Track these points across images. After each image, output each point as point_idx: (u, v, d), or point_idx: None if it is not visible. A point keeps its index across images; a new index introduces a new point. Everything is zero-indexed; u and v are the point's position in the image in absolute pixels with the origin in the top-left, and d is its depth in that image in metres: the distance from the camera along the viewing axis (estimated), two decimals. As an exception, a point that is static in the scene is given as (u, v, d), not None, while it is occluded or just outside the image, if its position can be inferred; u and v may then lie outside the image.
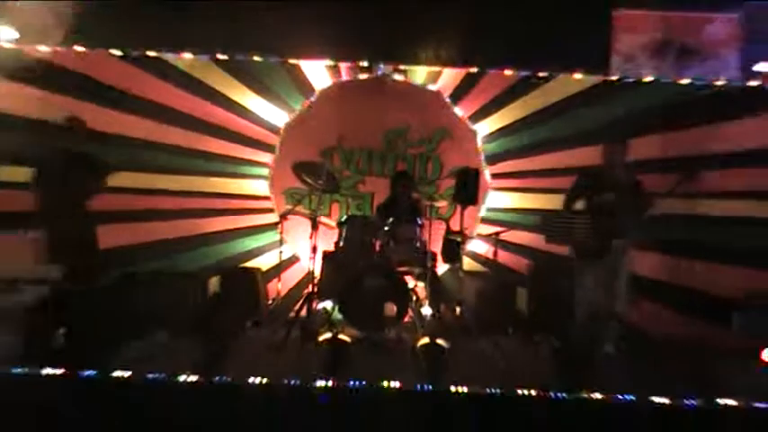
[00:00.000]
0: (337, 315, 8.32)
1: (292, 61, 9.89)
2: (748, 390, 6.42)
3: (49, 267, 8.00)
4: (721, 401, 6.11)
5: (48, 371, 6.12)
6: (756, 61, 9.34)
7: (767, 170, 9.06)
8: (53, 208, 8.13)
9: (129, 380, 6.11)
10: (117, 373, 6.13)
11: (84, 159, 8.26)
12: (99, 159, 8.40)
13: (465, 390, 6.08)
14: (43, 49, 9.49)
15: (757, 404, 6.14)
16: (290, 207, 9.41)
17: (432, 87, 10.21)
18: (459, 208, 9.01)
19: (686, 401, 6.05)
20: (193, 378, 6.15)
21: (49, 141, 8.37)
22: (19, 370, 6.15)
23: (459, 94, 10.16)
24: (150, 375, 6.16)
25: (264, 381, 6.13)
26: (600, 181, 7.97)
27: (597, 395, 6.11)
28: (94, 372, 6.13)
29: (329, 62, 9.96)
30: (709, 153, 9.40)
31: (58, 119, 8.53)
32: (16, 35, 9.13)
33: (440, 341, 6.67)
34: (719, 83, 9.67)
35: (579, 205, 7.99)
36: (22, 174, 8.35)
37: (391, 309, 8.19)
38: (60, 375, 6.09)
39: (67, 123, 8.39)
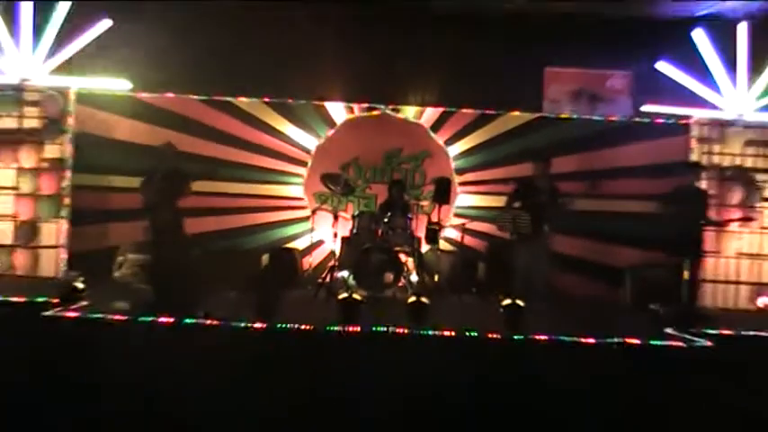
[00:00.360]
0: (351, 281, 8.39)
1: (320, 102, 9.98)
2: (639, 330, 6.59)
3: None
4: (624, 340, 6.20)
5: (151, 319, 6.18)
6: (643, 104, 9.53)
7: (648, 180, 9.12)
8: (154, 205, 8.19)
9: (217, 326, 6.19)
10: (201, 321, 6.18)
11: (175, 171, 8.30)
12: (185, 172, 8.33)
13: (441, 333, 6.18)
14: (147, 95, 9.66)
15: (652, 342, 6.27)
16: (318, 205, 9.44)
17: (418, 121, 10.13)
18: (437, 206, 9.11)
19: (595, 339, 6.13)
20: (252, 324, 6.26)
21: (152, 160, 8.47)
22: (144, 318, 6.22)
23: (437, 126, 10.12)
24: (222, 323, 6.20)
25: (300, 327, 6.22)
26: (531, 187, 8.04)
27: (535, 336, 6.21)
28: (192, 320, 6.20)
29: (346, 103, 10.04)
30: (610, 168, 9.54)
31: (157, 144, 8.61)
32: (130, 85, 9.22)
33: (423, 299, 6.68)
34: (617, 119, 9.87)
35: (517, 204, 8.05)
36: (135, 182, 8.40)
37: (389, 276, 8.32)
38: (168, 323, 6.17)
39: (164, 147, 8.40)
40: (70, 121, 9.22)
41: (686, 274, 8.02)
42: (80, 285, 6.84)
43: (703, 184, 8.92)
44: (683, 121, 9.54)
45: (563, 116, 9.93)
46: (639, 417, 5.79)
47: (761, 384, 6.34)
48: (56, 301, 6.58)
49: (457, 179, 10.04)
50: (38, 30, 8.93)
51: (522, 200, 8.03)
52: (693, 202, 8.01)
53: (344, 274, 8.64)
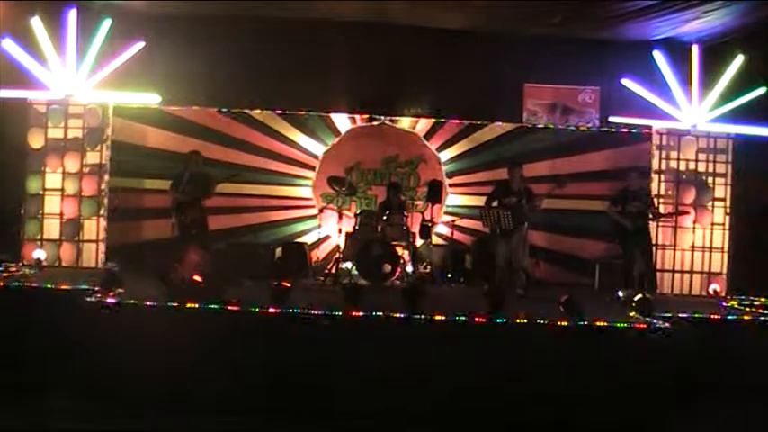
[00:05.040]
0: (354, 271, 8.42)
1: (326, 114, 9.96)
2: (607, 313, 6.62)
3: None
4: (595, 323, 6.21)
5: (188, 305, 6.13)
6: (609, 115, 9.55)
7: (614, 182, 9.08)
8: (181, 205, 8.18)
9: (235, 310, 6.14)
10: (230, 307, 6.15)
11: (201, 175, 8.30)
12: (209, 175, 8.40)
13: (432, 317, 6.16)
14: (174, 108, 9.67)
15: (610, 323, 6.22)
16: (324, 204, 9.30)
17: (412, 130, 10.10)
18: (430, 205, 9.13)
19: (567, 323, 6.13)
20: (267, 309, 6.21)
21: (180, 165, 8.46)
22: (172, 304, 6.17)
23: (429, 134, 10.08)
24: (240, 308, 6.14)
25: (309, 311, 6.19)
26: (506, 189, 8.01)
27: (516, 320, 6.19)
28: (217, 305, 6.11)
29: (349, 114, 10.00)
30: (582, 171, 9.62)
31: (184, 151, 8.69)
32: (159, 99, 9.26)
33: (418, 287, 6.66)
34: (587, 129, 9.90)
35: (494, 204, 8.00)
36: (164, 184, 8.50)
37: (387, 267, 8.27)
38: (192, 308, 6.11)
39: (191, 154, 8.47)
40: (108, 131, 9.21)
41: (640, 265, 8.10)
42: (117, 275, 6.85)
43: (646, 185, 8.96)
44: (645, 131, 9.57)
45: (540, 126, 9.94)
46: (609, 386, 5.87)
47: (711, 356, 6.42)
48: (96, 288, 6.59)
49: (447, 182, 10.00)
50: (81, 50, 8.95)
51: (499, 200, 7.99)
52: (637, 201, 8.09)
53: (348, 265, 8.64)
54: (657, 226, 8.90)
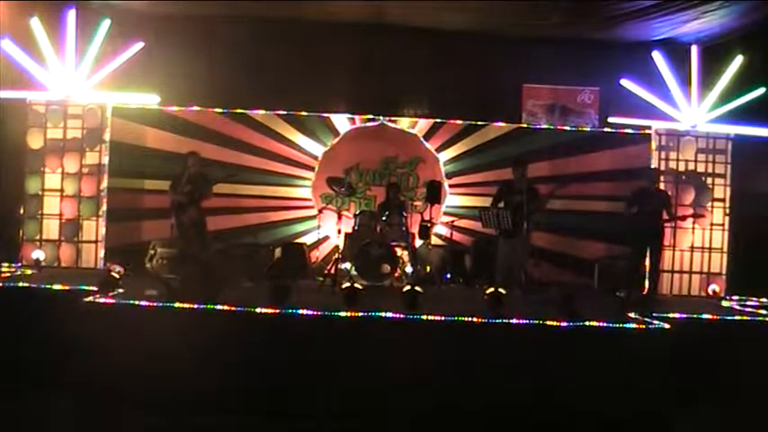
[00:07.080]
0: (353, 272, 8.35)
1: (326, 114, 9.93)
2: (605, 314, 6.60)
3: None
4: (594, 323, 6.21)
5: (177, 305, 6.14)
6: (609, 116, 9.56)
7: (614, 183, 9.16)
8: (180, 205, 8.17)
9: (231, 311, 6.15)
10: (222, 307, 6.12)
11: (199, 176, 8.28)
12: (208, 176, 8.38)
13: (431, 317, 6.18)
14: (174, 108, 9.66)
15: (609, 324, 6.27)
16: (324, 205, 9.33)
17: (412, 131, 10.06)
18: (429, 206, 9.05)
19: (566, 323, 6.14)
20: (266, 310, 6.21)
21: (179, 165, 8.45)
22: (160, 304, 6.19)
23: (429, 135, 10.04)
24: (239, 308, 6.16)
25: (308, 312, 6.19)
26: (511, 189, 8.00)
27: (514, 320, 6.18)
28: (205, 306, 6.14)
29: (348, 115, 9.97)
30: (580, 172, 9.61)
31: (183, 151, 8.65)
32: (158, 99, 9.27)
33: (417, 288, 6.65)
34: (586, 129, 9.88)
35: (501, 204, 8.01)
36: (163, 185, 8.49)
37: (387, 268, 8.26)
38: (186, 308, 6.11)
39: (189, 154, 8.42)
40: (107, 131, 9.22)
41: (648, 265, 8.07)
42: (116, 275, 6.85)
43: (662, 186, 8.95)
44: (644, 132, 9.57)
45: (539, 127, 9.90)
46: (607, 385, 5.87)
47: (710, 356, 6.41)
48: (95, 289, 6.60)
49: (446, 182, 9.97)
50: (80, 50, 8.97)
51: (504, 200, 8.00)
52: (655, 202, 8.07)
53: (347, 265, 8.59)
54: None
